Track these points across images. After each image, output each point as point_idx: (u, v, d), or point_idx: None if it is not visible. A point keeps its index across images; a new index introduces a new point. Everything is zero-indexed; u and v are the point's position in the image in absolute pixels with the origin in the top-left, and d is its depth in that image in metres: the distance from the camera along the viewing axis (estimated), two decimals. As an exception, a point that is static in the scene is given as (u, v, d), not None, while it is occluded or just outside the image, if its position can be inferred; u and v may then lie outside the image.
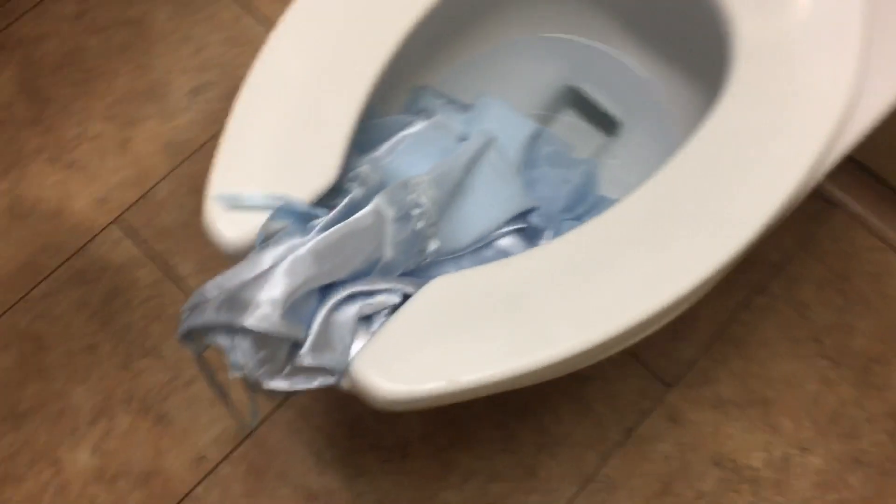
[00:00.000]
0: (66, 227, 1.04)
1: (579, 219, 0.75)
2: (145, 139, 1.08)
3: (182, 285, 1.02)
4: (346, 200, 0.60)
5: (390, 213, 0.60)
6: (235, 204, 0.58)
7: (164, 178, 1.06)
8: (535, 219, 0.73)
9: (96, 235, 1.04)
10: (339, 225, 0.58)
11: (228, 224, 0.58)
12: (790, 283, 1.02)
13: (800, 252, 1.04)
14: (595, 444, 0.96)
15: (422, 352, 0.56)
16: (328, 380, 0.58)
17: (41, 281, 1.02)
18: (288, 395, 0.94)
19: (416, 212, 0.62)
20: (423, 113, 0.76)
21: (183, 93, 1.10)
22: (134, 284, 1.02)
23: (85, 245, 1.03)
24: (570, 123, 0.81)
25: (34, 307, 1.00)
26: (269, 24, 1.13)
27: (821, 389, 0.98)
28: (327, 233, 0.58)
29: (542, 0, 0.78)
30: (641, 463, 0.95)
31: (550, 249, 0.59)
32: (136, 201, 1.05)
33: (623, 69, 0.79)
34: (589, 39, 0.80)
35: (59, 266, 1.02)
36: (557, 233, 0.74)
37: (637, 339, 0.59)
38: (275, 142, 0.61)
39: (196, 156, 1.07)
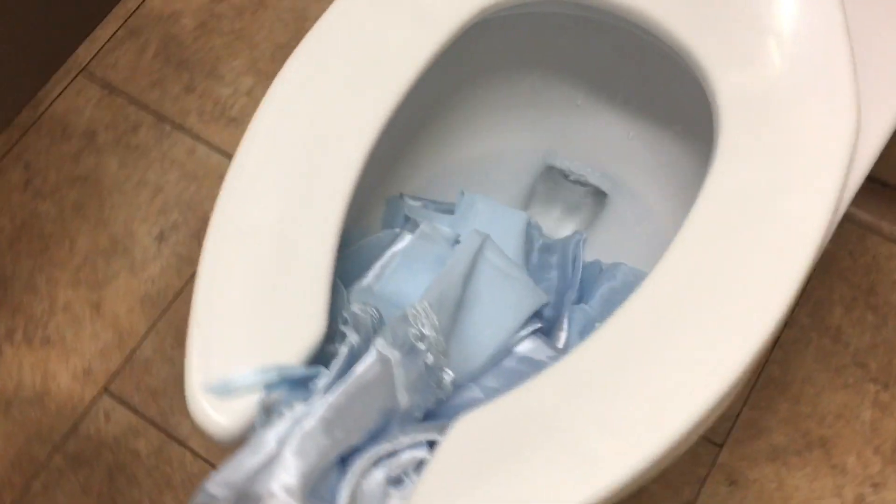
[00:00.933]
0: (52, 410, 0.98)
1: (583, 296, 0.70)
2: (118, 298, 1.02)
3: (187, 445, 0.95)
4: (343, 352, 0.54)
5: (395, 355, 0.54)
6: (226, 390, 0.52)
7: (146, 336, 1.00)
8: (547, 311, 0.67)
9: (86, 411, 0.97)
10: (344, 385, 0.52)
11: (220, 410, 0.52)
12: (816, 310, 0.97)
13: (819, 274, 0.99)
14: (656, 526, 0.89)
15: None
16: None
17: (37, 473, 0.95)
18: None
19: (421, 345, 0.56)
20: (406, 224, 0.70)
21: (149, 241, 1.04)
22: (136, 456, 0.95)
23: (76, 424, 0.97)
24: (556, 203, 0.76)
25: None
26: (224, 150, 1.08)
27: (877, 416, 0.92)
28: (334, 397, 0.52)
29: (504, 80, 0.74)
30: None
31: (575, 361, 0.53)
32: (122, 366, 0.99)
33: (602, 137, 0.75)
34: (561, 112, 0.75)
35: (53, 453, 0.96)
36: (572, 318, 0.69)
37: (690, 442, 0.54)
38: (250, 303, 0.55)
39: (175, 304, 1.01)
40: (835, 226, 0.55)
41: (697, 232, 0.55)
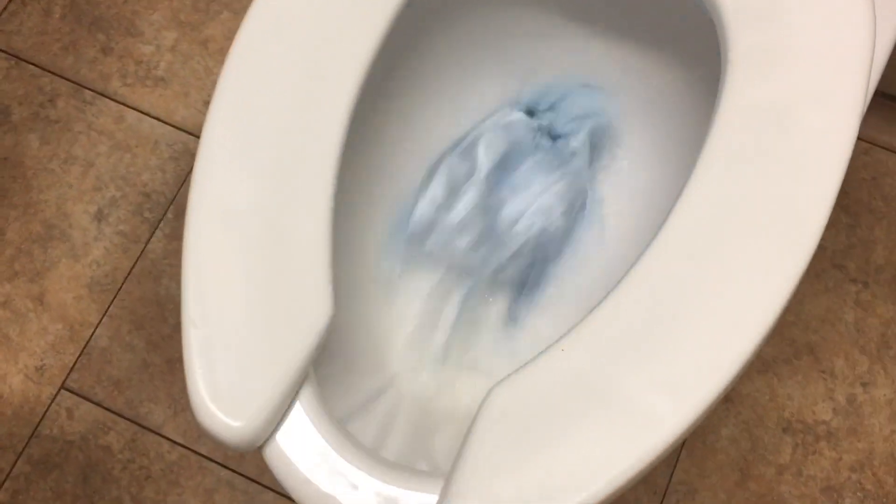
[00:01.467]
0: (9, 415, 0.90)
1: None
2: (63, 287, 0.94)
3: (162, 434, 0.89)
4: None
5: None
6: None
7: (99, 324, 0.93)
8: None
9: (46, 411, 0.90)
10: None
11: (235, 416, 0.47)
12: (789, 215, 0.96)
13: (787, 179, 0.98)
14: (656, 451, 0.88)
15: (514, 486, 0.46)
16: None
17: (2, 484, 0.88)
18: None
19: None
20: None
21: (87, 221, 0.96)
22: (108, 452, 0.89)
23: (38, 426, 0.90)
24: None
25: (4, 515, 0.87)
26: (155, 114, 1.00)
27: (860, 316, 0.92)
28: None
29: (477, 14, 0.68)
30: (711, 456, 0.88)
31: (608, 314, 0.50)
32: (78, 359, 0.92)
33: (587, 66, 0.70)
34: (537, 43, 0.70)
35: (17, 459, 0.89)
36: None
37: (737, 381, 0.51)
38: (248, 294, 0.49)
39: (126, 286, 0.94)
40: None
41: (719, 156, 0.51)
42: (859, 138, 0.98)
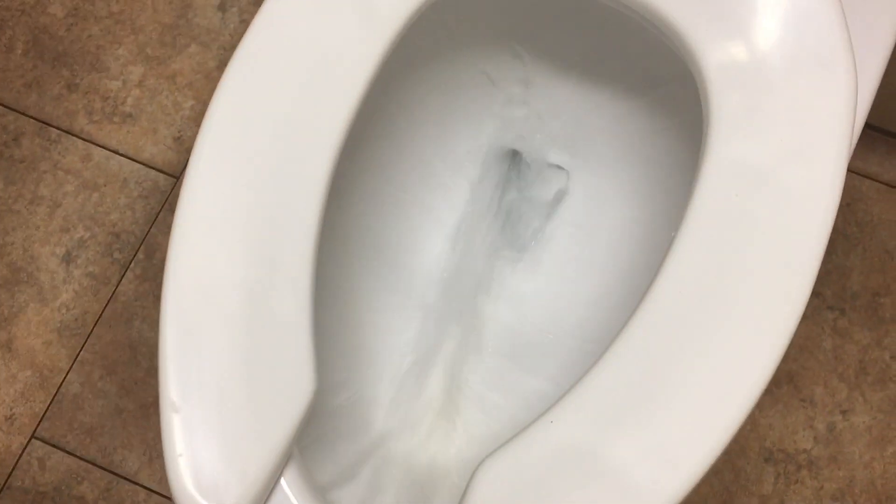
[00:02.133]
0: (-22, 467, 0.88)
1: None
2: (31, 332, 0.92)
3: (137, 481, 0.87)
4: None
5: None
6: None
7: (70, 370, 0.91)
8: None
9: (17, 461, 0.88)
10: None
11: (218, 496, 0.46)
12: (765, 241, 0.96)
13: (762, 205, 0.98)
14: (639, 485, 0.88)
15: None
16: None
17: (-27, 540, 0.86)
18: None
19: None
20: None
21: (55, 264, 0.94)
22: (82, 502, 0.87)
23: (9, 478, 0.88)
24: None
25: (-24, 571, 0.85)
26: (123, 151, 0.97)
27: (837, 343, 0.92)
28: None
29: (455, 61, 0.67)
30: (694, 489, 0.87)
31: (596, 386, 0.49)
32: (49, 406, 0.90)
33: (562, 114, 0.69)
34: (517, 89, 0.69)
35: (-12, 513, 0.87)
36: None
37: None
38: (230, 372, 0.48)
39: (97, 330, 0.92)
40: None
41: (704, 218, 0.51)
42: (833, 163, 0.98)
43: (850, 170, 0.98)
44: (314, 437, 0.56)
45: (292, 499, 0.48)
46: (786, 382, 0.91)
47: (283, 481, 0.48)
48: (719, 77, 0.52)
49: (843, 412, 0.90)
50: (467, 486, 0.48)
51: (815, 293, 0.94)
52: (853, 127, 0.51)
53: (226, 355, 0.48)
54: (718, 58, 0.52)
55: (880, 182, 0.97)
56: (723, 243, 0.51)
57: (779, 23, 0.52)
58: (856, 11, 0.58)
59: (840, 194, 0.51)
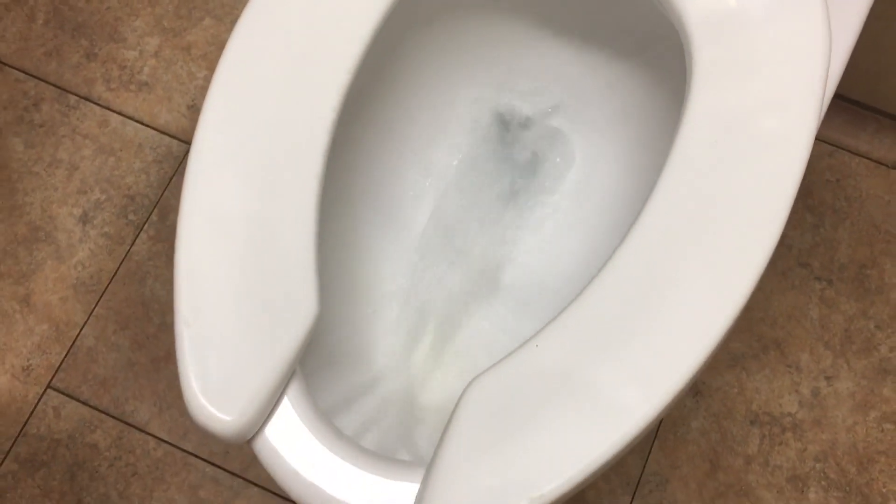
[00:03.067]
0: (-4, 414, 0.92)
1: None
2: (48, 288, 0.96)
3: (148, 431, 0.91)
4: None
5: None
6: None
7: (85, 324, 0.95)
8: None
9: (33, 410, 0.92)
10: None
11: (225, 409, 0.49)
12: (757, 215, 0.99)
13: (755, 181, 1.01)
14: (630, 444, 0.91)
15: (492, 473, 0.49)
16: None
17: (-10, 483, 0.90)
18: None
19: None
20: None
21: (72, 224, 0.98)
22: (94, 450, 0.91)
23: (25, 425, 0.92)
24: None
25: (-8, 513, 0.89)
26: (139, 118, 1.01)
27: (824, 312, 0.96)
28: None
29: (449, 24, 0.71)
30: (682, 447, 0.91)
31: (581, 311, 0.53)
32: (64, 359, 0.94)
33: (556, 72, 0.73)
34: (510, 50, 0.73)
35: (4, 458, 0.90)
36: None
37: (700, 373, 0.54)
38: (238, 295, 0.52)
39: (112, 287, 0.96)
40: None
41: (686, 159, 0.54)
42: (825, 141, 1.01)
43: (841, 146, 1.01)
44: (315, 367, 0.59)
45: (294, 412, 0.52)
46: (773, 348, 0.94)
47: (286, 398, 0.52)
48: (700, 30, 0.56)
49: (828, 378, 0.93)
50: (457, 402, 0.51)
51: (804, 264, 0.97)
52: (826, 75, 0.54)
53: (235, 277, 0.52)
54: (699, 11, 0.55)
55: (869, 159, 1.01)
56: (701, 185, 0.54)
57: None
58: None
59: (812, 139, 0.54)
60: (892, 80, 0.94)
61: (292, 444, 0.51)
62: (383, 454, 0.53)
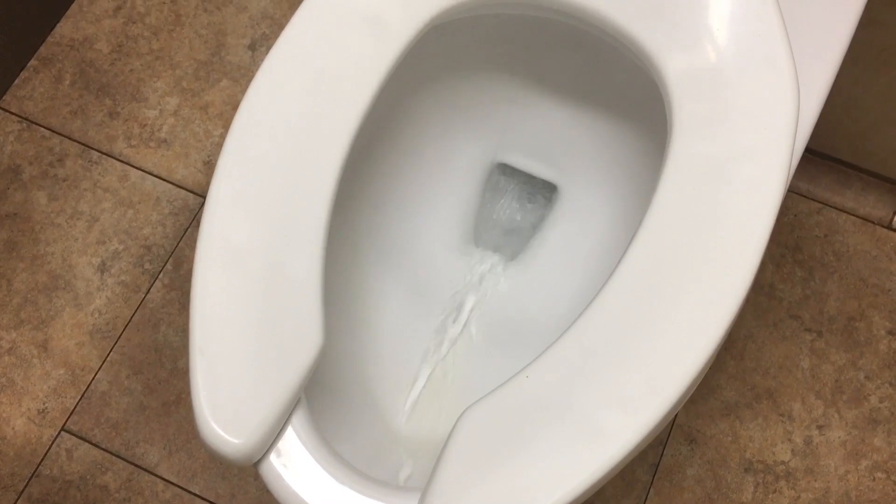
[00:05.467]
0: (11, 456, 0.95)
1: None
2: (66, 334, 1.00)
3: (157, 473, 0.94)
4: None
5: None
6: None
7: (100, 369, 0.98)
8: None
9: (47, 452, 0.95)
10: None
11: (234, 433, 0.53)
12: (749, 269, 1.03)
13: (747, 236, 1.05)
14: (627, 492, 0.93)
15: (484, 498, 0.52)
16: None
17: (3, 522, 0.92)
18: None
19: None
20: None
21: (91, 273, 1.02)
22: (105, 491, 0.93)
23: (38, 466, 0.94)
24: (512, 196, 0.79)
25: (3, 553, 0.91)
26: (157, 173, 1.07)
27: (814, 363, 0.98)
28: None
29: (452, 81, 0.76)
30: (677, 494, 0.93)
31: (571, 342, 0.56)
32: (79, 402, 0.97)
33: (549, 130, 0.78)
34: (508, 108, 0.78)
35: (18, 498, 0.93)
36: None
37: (684, 401, 0.57)
38: (248, 326, 0.55)
39: (126, 333, 1.00)
40: (787, 186, 0.60)
41: (667, 205, 0.58)
42: (814, 199, 1.06)
43: (828, 204, 1.05)
44: (320, 395, 0.62)
45: (298, 437, 0.55)
46: (766, 398, 0.97)
47: (291, 424, 0.55)
48: (678, 85, 0.60)
49: (820, 427, 0.96)
50: (451, 430, 0.54)
51: (795, 316, 1.00)
52: (795, 126, 0.58)
53: (246, 310, 0.56)
54: (677, 68, 0.60)
55: (856, 216, 1.05)
56: (681, 228, 0.58)
57: (728, 33, 0.60)
58: (804, 29, 0.66)
59: (784, 185, 0.58)
60: (874, 140, 0.99)
61: (295, 467, 0.54)
62: (380, 480, 0.56)
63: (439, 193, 0.78)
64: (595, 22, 0.64)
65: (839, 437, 0.95)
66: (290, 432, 0.55)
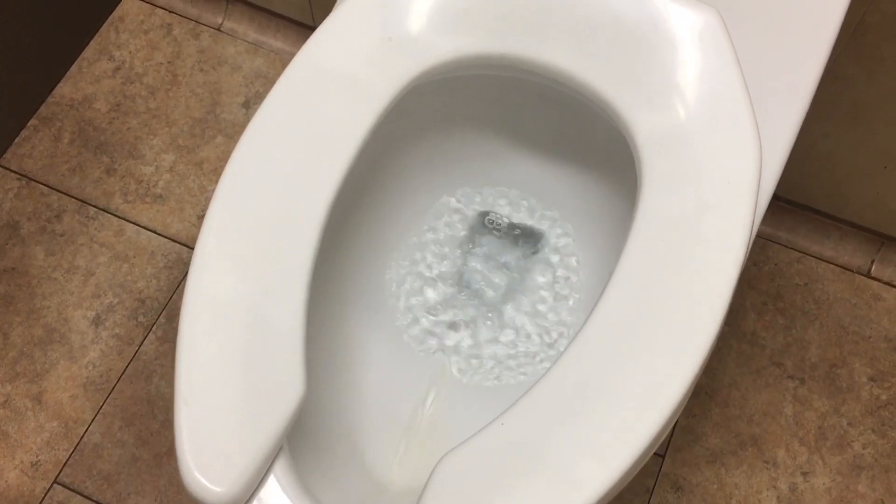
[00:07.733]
0: (3, 508, 0.96)
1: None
2: (60, 387, 1.01)
3: (147, 525, 0.95)
4: None
5: None
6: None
7: (92, 421, 1.00)
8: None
9: (39, 505, 0.96)
10: None
11: (217, 482, 0.54)
12: (732, 318, 1.05)
13: (729, 285, 1.07)
14: (614, 539, 0.94)
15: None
16: None
17: (-6, 575, 0.93)
18: None
19: None
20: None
21: (85, 326, 1.04)
22: (96, 543, 0.94)
23: (30, 519, 0.95)
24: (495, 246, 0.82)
25: None
26: (152, 228, 1.09)
27: (798, 410, 1.00)
28: None
29: (432, 139, 0.79)
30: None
31: (542, 393, 0.58)
32: (71, 454, 0.98)
33: (530, 182, 0.80)
34: (489, 163, 0.81)
35: (9, 551, 0.94)
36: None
37: (654, 449, 0.59)
38: (232, 376, 0.57)
39: (119, 386, 1.01)
40: (753, 238, 0.62)
41: (635, 259, 0.61)
42: (794, 248, 1.08)
43: (808, 253, 1.08)
44: (302, 444, 0.64)
45: (279, 486, 0.56)
46: (750, 445, 0.98)
47: (272, 473, 0.57)
48: (647, 145, 0.63)
49: (804, 474, 0.97)
50: (427, 480, 0.56)
51: (777, 363, 1.02)
52: (757, 181, 0.61)
53: (229, 360, 0.58)
54: (645, 129, 0.63)
55: (835, 264, 1.07)
56: (650, 279, 0.60)
57: (693, 95, 0.63)
58: (767, 86, 0.69)
59: (748, 236, 0.60)
60: (850, 191, 1.02)
61: (277, 515, 0.56)
62: (361, 526, 0.58)
63: (422, 243, 0.80)
64: (569, 83, 0.67)
65: (824, 484, 0.96)
66: (272, 481, 0.57)
